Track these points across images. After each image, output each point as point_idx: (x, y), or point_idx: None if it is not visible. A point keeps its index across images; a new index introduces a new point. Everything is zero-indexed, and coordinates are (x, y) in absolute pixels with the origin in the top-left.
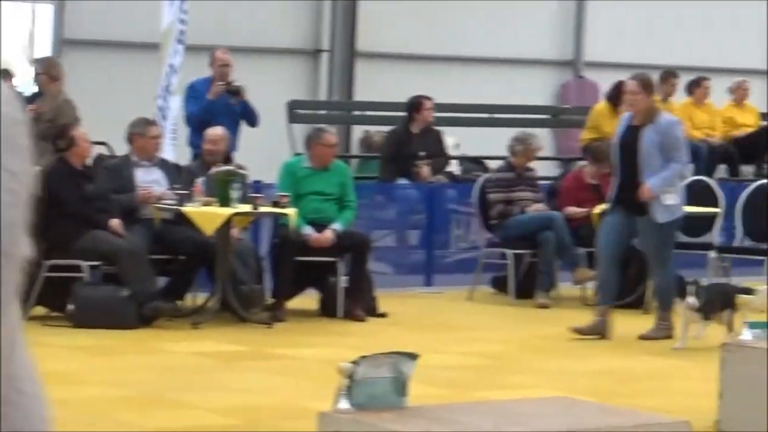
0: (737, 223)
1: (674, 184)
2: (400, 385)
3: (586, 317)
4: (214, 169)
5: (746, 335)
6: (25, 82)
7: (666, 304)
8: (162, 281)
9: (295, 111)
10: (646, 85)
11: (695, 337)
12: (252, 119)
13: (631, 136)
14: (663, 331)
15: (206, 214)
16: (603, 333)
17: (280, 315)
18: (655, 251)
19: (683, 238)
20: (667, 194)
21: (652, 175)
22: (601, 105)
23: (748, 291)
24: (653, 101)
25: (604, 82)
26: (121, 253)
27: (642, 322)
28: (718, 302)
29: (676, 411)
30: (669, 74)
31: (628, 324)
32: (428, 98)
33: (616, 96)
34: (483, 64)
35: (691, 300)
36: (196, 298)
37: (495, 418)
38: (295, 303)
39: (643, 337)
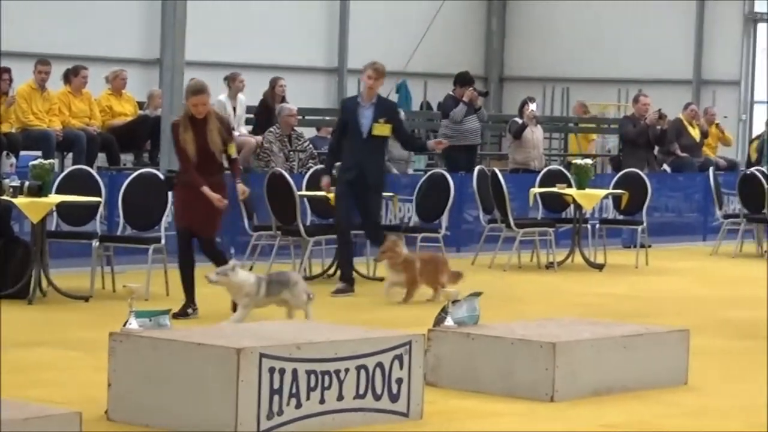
0: (119, 212)
1: None
2: None
3: None
4: None
5: (133, 324)
6: None
7: None
8: None
9: None
10: None
11: None
12: None
13: None
14: None
15: None
16: None
17: None
18: None
19: (65, 227)
20: None
21: None
22: None
23: None
24: None
25: None
26: None
27: (27, 313)
28: None
29: (68, 402)
30: (41, 62)
31: (13, 315)
32: None
33: None
34: None
35: None
36: None
37: None
38: None
39: None
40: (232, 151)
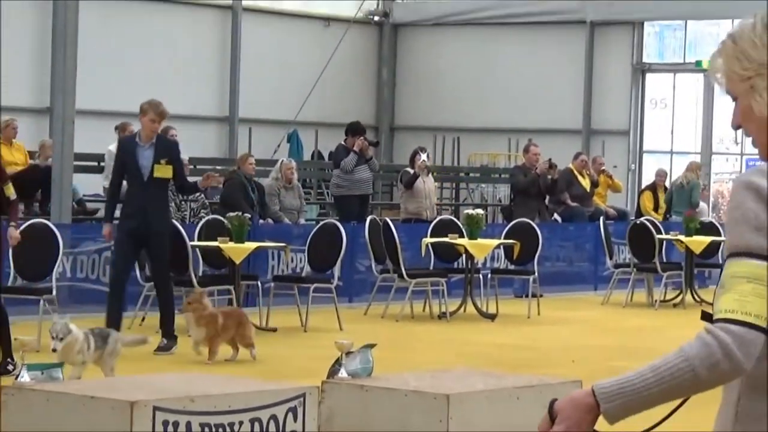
0: (10, 262)
1: None
2: None
3: None
4: None
5: (25, 377)
6: None
7: None
8: None
9: None
10: None
11: None
12: None
13: None
14: None
15: None
16: None
17: None
18: None
19: None
20: None
21: None
22: None
23: None
24: None
25: None
26: None
27: None
28: None
29: None
30: None
31: None
32: None
33: None
34: None
35: None
36: None
37: None
38: None
39: None
40: (9, 192)
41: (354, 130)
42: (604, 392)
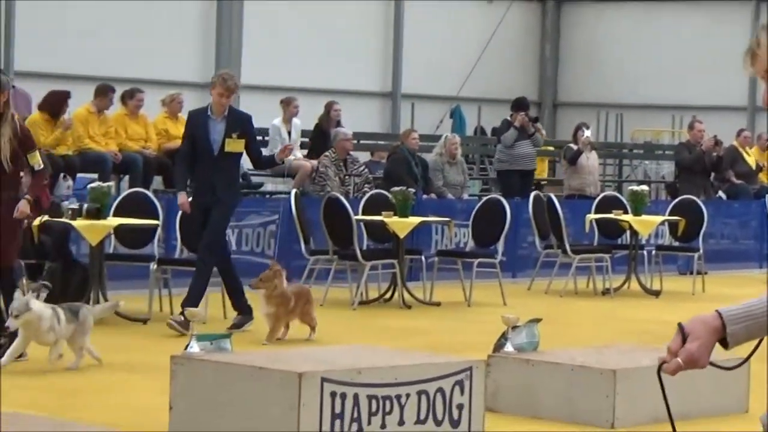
0: (177, 235)
1: None
2: None
3: None
4: None
5: (194, 347)
6: None
7: None
8: None
9: None
10: None
11: None
12: None
13: None
14: None
15: None
16: None
17: None
18: None
19: (122, 250)
20: None
21: None
22: (36, 116)
23: None
24: None
25: (37, 92)
26: None
27: None
28: None
29: (127, 425)
30: (106, 88)
31: None
32: None
33: (53, 105)
34: None
35: None
36: None
37: None
38: None
39: None
40: (34, 161)
41: (518, 105)
42: (732, 315)
